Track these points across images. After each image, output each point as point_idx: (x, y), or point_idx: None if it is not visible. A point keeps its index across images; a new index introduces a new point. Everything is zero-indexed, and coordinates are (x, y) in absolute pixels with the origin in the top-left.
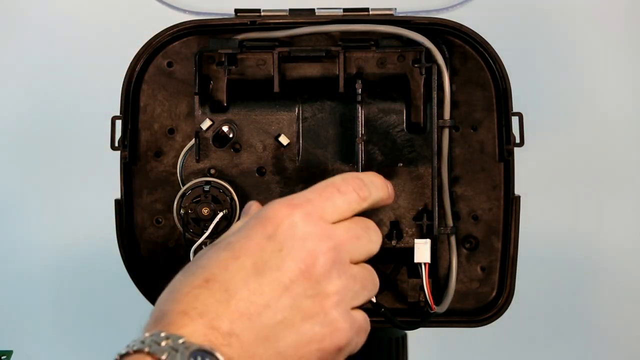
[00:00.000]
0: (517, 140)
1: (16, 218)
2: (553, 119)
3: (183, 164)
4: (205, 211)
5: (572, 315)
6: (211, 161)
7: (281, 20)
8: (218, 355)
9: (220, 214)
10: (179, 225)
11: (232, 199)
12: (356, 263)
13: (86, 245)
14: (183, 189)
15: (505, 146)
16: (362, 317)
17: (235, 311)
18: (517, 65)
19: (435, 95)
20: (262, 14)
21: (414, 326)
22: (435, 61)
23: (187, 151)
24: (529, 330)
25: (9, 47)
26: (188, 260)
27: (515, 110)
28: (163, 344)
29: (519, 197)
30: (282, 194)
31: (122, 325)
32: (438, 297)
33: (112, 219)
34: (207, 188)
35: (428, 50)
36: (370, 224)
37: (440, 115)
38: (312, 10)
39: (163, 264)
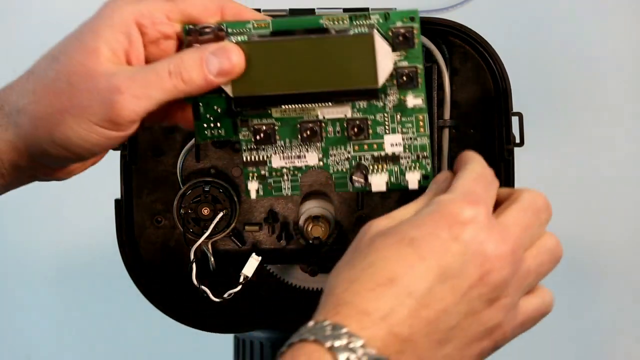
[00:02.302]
0: (517, 140)
1: (16, 218)
2: (553, 119)
3: (183, 164)
4: (205, 211)
5: (571, 315)
6: (211, 161)
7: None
8: None
9: (220, 214)
10: (179, 225)
11: (232, 199)
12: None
13: (86, 245)
14: (183, 188)
15: (505, 146)
16: (529, 308)
17: (416, 317)
18: (517, 65)
19: (435, 95)
20: (262, 14)
21: None
22: (435, 61)
23: (187, 151)
24: (529, 330)
25: (8, 47)
26: (188, 260)
27: (515, 110)
28: (343, 342)
29: None
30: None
31: (122, 324)
32: None
33: (112, 219)
34: (207, 188)
35: (428, 50)
36: (540, 203)
37: (440, 115)
38: (312, 10)
39: (163, 264)
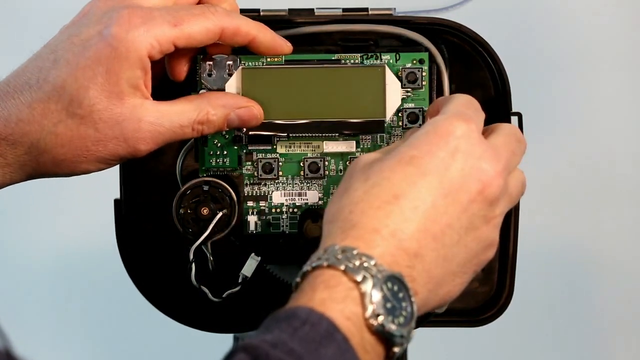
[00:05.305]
0: None
1: (16, 218)
2: (553, 119)
3: (182, 164)
4: (204, 211)
5: (571, 315)
6: None
7: (280, 20)
8: (407, 283)
9: (220, 214)
10: (178, 226)
11: (231, 198)
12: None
13: (86, 245)
14: (182, 188)
15: None
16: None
17: (423, 230)
18: (517, 65)
19: (435, 96)
20: (262, 14)
21: None
22: (434, 61)
23: (186, 150)
24: (529, 330)
25: (8, 47)
26: (187, 260)
27: (514, 110)
28: (356, 263)
29: None
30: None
31: (121, 324)
32: None
33: (112, 219)
34: (206, 188)
35: (427, 50)
36: (519, 135)
37: None
38: (312, 10)
39: (162, 264)
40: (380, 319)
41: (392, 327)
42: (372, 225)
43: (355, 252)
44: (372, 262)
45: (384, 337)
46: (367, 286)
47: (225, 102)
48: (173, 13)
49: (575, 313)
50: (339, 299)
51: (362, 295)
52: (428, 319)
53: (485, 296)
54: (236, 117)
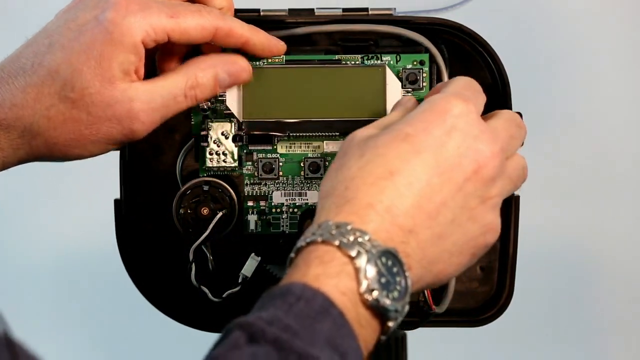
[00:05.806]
0: None
1: (16, 218)
2: (553, 119)
3: (182, 164)
4: (204, 211)
5: (571, 314)
6: None
7: (280, 20)
8: (401, 258)
9: (220, 214)
10: (178, 226)
11: (231, 198)
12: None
13: (86, 245)
14: (182, 188)
15: None
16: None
17: (417, 207)
18: (517, 65)
19: None
20: (262, 14)
21: (413, 326)
22: (434, 61)
23: (186, 150)
24: (529, 330)
25: (8, 47)
26: (187, 260)
27: (515, 110)
28: (351, 238)
29: (518, 197)
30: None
31: (121, 325)
32: (437, 296)
33: (112, 219)
34: (206, 188)
35: (427, 50)
36: (519, 120)
37: None
38: (312, 10)
39: (162, 264)
40: (375, 293)
41: (387, 302)
42: (366, 200)
43: (349, 227)
44: (367, 237)
45: (379, 312)
46: (362, 261)
47: (211, 62)
48: (170, 6)
49: (575, 313)
50: (333, 274)
51: (357, 270)
52: (428, 319)
53: (485, 296)
54: (226, 75)
